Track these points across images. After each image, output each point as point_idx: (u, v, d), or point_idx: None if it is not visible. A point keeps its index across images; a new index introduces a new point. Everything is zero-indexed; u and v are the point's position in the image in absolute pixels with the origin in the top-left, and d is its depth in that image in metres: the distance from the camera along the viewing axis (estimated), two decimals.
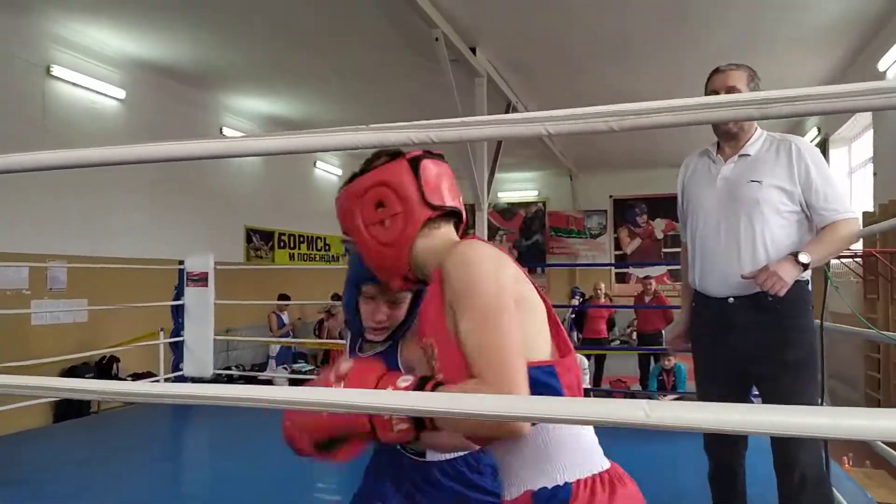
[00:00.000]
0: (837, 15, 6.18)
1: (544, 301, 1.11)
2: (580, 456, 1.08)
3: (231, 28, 6.40)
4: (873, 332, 2.65)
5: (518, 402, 0.91)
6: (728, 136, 2.21)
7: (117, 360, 6.73)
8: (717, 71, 2.19)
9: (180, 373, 5.69)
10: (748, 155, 2.16)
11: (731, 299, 2.13)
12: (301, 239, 10.96)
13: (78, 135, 6.37)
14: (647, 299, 8.60)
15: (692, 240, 2.28)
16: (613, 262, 13.83)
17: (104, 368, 6.64)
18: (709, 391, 2.30)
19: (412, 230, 1.16)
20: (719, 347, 2.21)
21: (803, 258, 1.99)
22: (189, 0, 5.75)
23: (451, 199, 1.19)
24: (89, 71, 6.68)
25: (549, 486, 1.04)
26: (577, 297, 11.95)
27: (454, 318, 1.02)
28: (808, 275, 2.11)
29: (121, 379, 6.10)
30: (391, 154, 1.21)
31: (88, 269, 6.25)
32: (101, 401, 6.45)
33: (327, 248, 11.74)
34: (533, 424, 1.03)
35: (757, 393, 2.25)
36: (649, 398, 4.39)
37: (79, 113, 6.62)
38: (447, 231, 1.20)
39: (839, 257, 5.50)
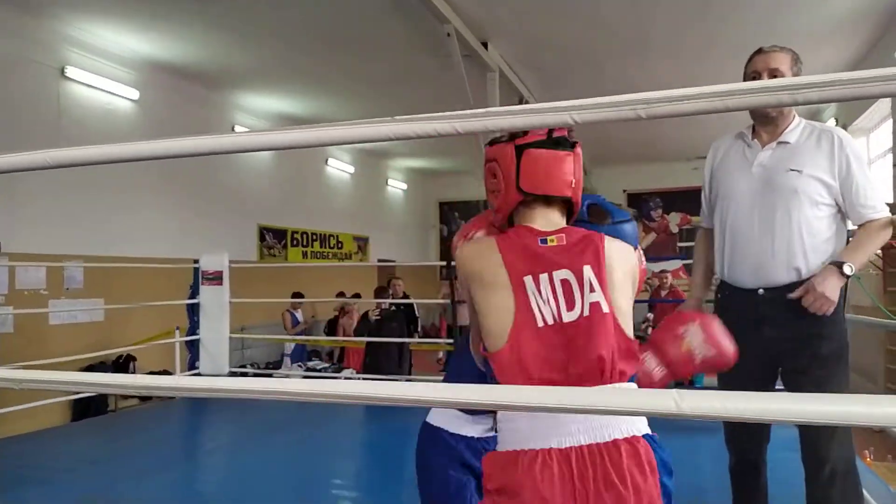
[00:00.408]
0: (854, 6, 6.11)
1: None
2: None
3: (243, 28, 6.41)
4: (895, 323, 2.61)
5: (543, 394, 0.90)
6: (767, 121, 2.12)
7: (134, 358, 6.78)
8: (759, 52, 2.11)
9: (196, 371, 5.72)
10: (788, 142, 2.08)
11: (762, 291, 2.07)
12: (314, 237, 10.98)
13: (93, 135, 6.41)
14: (663, 294, 8.54)
15: (721, 228, 2.19)
16: None
17: (121, 367, 6.70)
18: (732, 385, 2.25)
19: (506, 207, 1.37)
20: (749, 341, 2.14)
21: (848, 270, 1.92)
22: (201, 0, 5.76)
23: (544, 187, 1.33)
24: (103, 72, 6.72)
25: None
26: None
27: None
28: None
29: None
30: (511, 135, 1.35)
31: (104, 268, 6.30)
32: (122, 395, 6.53)
33: (340, 245, 11.75)
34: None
35: (781, 388, 2.21)
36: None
37: (93, 114, 6.66)
38: (537, 213, 1.35)
39: None
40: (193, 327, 5.95)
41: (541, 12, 6.17)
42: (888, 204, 6.90)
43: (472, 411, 1.70)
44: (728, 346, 1.61)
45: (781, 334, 2.05)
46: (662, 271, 8.81)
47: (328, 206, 11.24)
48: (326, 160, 11.44)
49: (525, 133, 1.32)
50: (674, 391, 0.83)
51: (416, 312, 7.68)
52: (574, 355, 1.21)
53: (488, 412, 1.62)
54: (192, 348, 5.94)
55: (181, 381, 1.07)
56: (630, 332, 1.27)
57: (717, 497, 2.79)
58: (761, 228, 2.07)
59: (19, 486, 3.38)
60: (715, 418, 0.83)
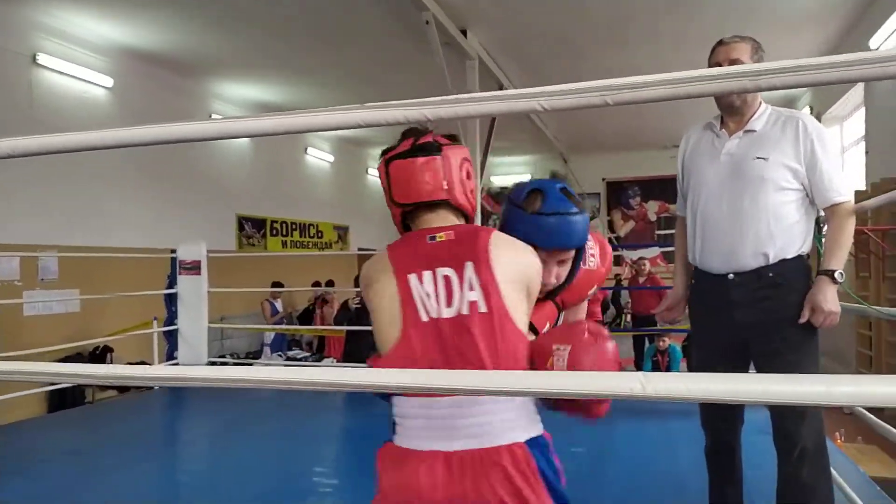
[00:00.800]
0: None
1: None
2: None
3: (218, 15, 6.33)
4: (866, 308, 2.67)
5: (516, 378, 0.91)
6: (731, 110, 2.16)
7: (111, 349, 6.73)
8: (720, 43, 2.15)
9: (175, 361, 5.69)
10: (754, 130, 2.12)
11: (732, 276, 2.12)
12: (294, 226, 10.92)
13: (66, 123, 6.31)
14: (641, 281, 8.62)
15: (693, 215, 2.24)
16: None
17: (98, 358, 6.64)
18: (705, 369, 2.30)
19: (395, 219, 1.41)
20: (720, 324, 2.20)
21: (839, 277, 2.00)
22: None
23: (412, 196, 1.34)
24: (76, 59, 6.61)
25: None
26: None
27: None
28: (806, 248, 2.12)
29: None
30: (384, 150, 1.40)
31: (80, 259, 6.23)
32: (99, 386, 6.47)
33: (320, 234, 11.71)
34: None
35: (754, 371, 2.26)
36: None
37: (67, 102, 6.56)
38: (425, 219, 1.36)
39: None
40: (171, 317, 5.90)
41: (520, 0, 6.16)
42: (860, 191, 7.03)
43: None
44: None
45: (752, 318, 2.09)
46: (640, 259, 8.89)
47: (308, 195, 11.18)
48: (306, 149, 11.37)
49: (395, 146, 1.37)
50: (639, 373, 0.85)
51: None
52: (450, 353, 1.21)
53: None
54: (171, 339, 5.90)
55: (157, 371, 1.07)
56: (521, 329, 1.25)
57: (694, 480, 2.85)
58: (730, 215, 2.11)
59: None
60: (679, 400, 0.84)
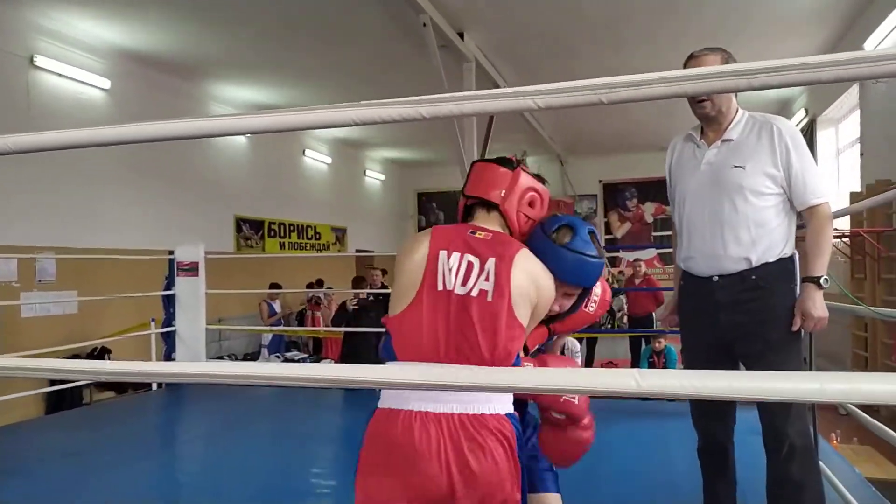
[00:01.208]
0: None
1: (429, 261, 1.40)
2: None
3: (216, 17, 6.34)
4: (863, 309, 2.68)
5: (515, 375, 0.92)
6: (707, 120, 2.22)
7: (109, 351, 6.72)
8: (691, 57, 2.20)
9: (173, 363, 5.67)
10: (731, 139, 2.17)
11: (716, 278, 2.17)
12: (292, 228, 10.92)
13: (64, 125, 6.22)
14: (637, 282, 8.64)
15: (679, 222, 2.32)
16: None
17: (95, 360, 6.63)
18: (693, 368, 2.33)
19: (460, 211, 1.61)
20: (705, 326, 2.25)
21: (824, 283, 2.03)
22: None
23: (475, 191, 1.55)
24: (73, 61, 6.61)
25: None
26: None
27: None
28: (788, 251, 2.15)
29: None
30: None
31: (78, 260, 6.22)
32: (97, 388, 6.47)
33: (318, 236, 11.71)
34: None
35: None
36: None
37: (64, 103, 6.55)
38: (478, 217, 1.55)
39: None
40: (169, 319, 5.89)
41: (517, 2, 6.18)
42: (855, 193, 7.05)
43: None
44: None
45: (735, 319, 2.14)
46: (636, 260, 8.92)
47: (306, 197, 11.18)
48: (303, 151, 11.37)
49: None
50: (634, 370, 0.86)
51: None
52: (451, 327, 1.34)
53: None
54: (168, 340, 5.88)
55: (155, 367, 1.07)
56: (521, 325, 1.37)
57: (689, 480, 2.85)
58: (711, 223, 2.17)
59: None
60: (673, 396, 0.85)
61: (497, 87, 8.13)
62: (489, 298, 1.34)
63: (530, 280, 1.39)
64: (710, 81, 0.87)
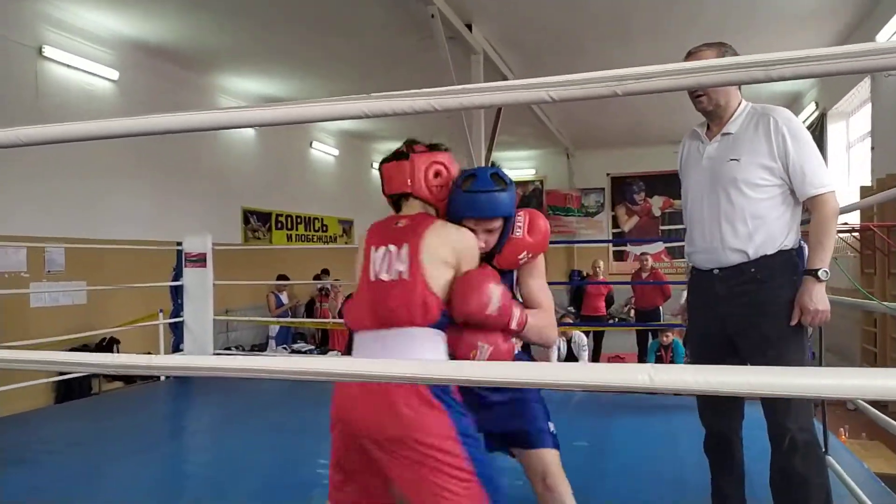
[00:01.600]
0: None
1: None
2: None
3: (224, 8, 6.33)
4: (874, 304, 2.67)
5: (526, 370, 0.92)
6: (710, 115, 2.23)
7: (117, 341, 6.75)
8: (688, 54, 2.20)
9: (180, 353, 5.71)
10: (730, 133, 2.17)
11: (716, 271, 2.18)
12: (299, 220, 10.94)
13: (72, 116, 6.29)
14: (644, 276, 8.61)
15: (685, 217, 2.34)
16: (611, 238, 13.86)
17: (104, 350, 6.67)
18: (697, 360, 2.37)
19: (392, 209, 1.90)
20: (707, 319, 2.26)
21: (823, 275, 2.00)
22: None
23: (388, 189, 1.83)
24: (82, 52, 6.61)
25: None
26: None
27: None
28: (790, 243, 2.13)
29: None
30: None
31: (86, 251, 6.25)
32: (106, 378, 6.51)
33: (325, 228, 11.72)
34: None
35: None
36: None
37: (72, 94, 6.57)
38: (403, 207, 1.82)
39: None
40: (177, 310, 5.92)
41: None
42: (865, 187, 7.00)
43: None
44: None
45: (734, 312, 2.15)
46: (643, 254, 8.90)
47: (313, 189, 11.19)
48: (311, 143, 11.37)
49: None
50: (647, 365, 0.85)
51: None
52: (379, 303, 1.64)
53: None
54: (176, 331, 5.91)
55: (163, 360, 1.08)
56: (435, 292, 1.62)
57: (696, 474, 2.85)
58: (710, 217, 2.18)
59: (3, 467, 3.38)
60: (687, 391, 0.85)
61: (505, 79, 8.09)
62: (406, 277, 1.62)
63: (442, 243, 1.65)
64: (725, 73, 0.86)
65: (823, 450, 2.15)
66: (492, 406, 1.96)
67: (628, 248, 13.64)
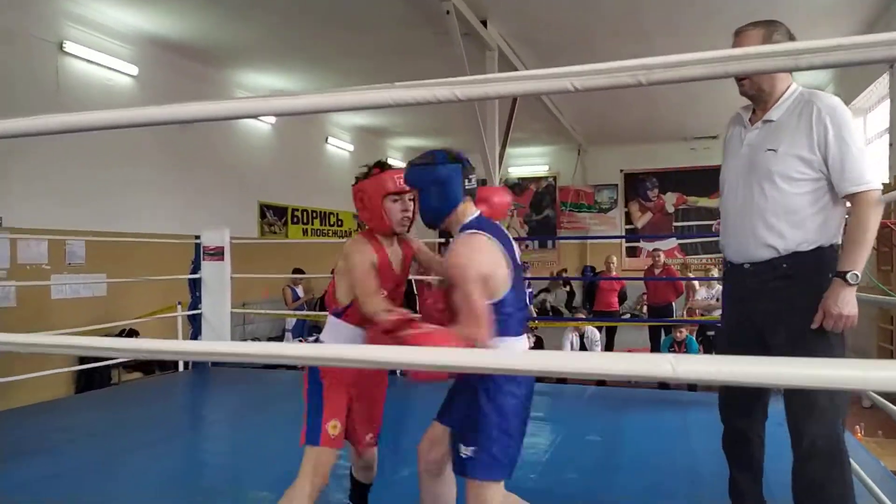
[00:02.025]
0: None
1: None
2: None
3: (242, 4, 6.37)
4: (893, 300, 2.64)
5: (548, 358, 0.93)
6: (754, 99, 2.12)
7: (136, 333, 6.83)
8: (735, 34, 2.11)
9: None
10: (772, 120, 2.06)
11: (747, 265, 2.11)
12: (314, 214, 10.99)
13: (91, 111, 6.36)
14: (656, 272, 8.58)
15: (721, 207, 2.25)
16: (623, 234, 13.79)
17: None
18: (724, 353, 2.32)
19: None
20: (737, 312, 2.20)
21: (852, 278, 1.88)
22: None
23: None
24: (102, 47, 6.67)
25: None
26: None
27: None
28: (830, 239, 2.02)
29: None
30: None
31: (106, 243, 6.32)
32: (125, 368, 6.59)
33: (340, 223, 11.77)
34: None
35: None
36: None
37: (92, 89, 6.63)
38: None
39: None
40: (195, 302, 5.99)
41: None
42: (883, 184, 6.91)
43: None
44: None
45: (763, 308, 2.08)
46: (655, 250, 8.85)
47: (328, 184, 11.22)
48: (326, 139, 11.41)
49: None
50: (669, 355, 0.86)
51: (415, 289, 7.72)
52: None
53: None
54: (195, 323, 5.98)
55: (187, 346, 1.10)
56: (338, 298, 2.18)
57: (709, 470, 2.84)
58: (742, 209, 2.10)
59: (23, 456, 3.44)
60: (709, 381, 0.85)
61: None
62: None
63: (342, 257, 2.15)
64: (753, 61, 0.85)
65: (848, 458, 2.03)
66: (453, 399, 2.06)
67: (641, 244, 13.57)
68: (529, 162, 14.41)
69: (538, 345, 7.60)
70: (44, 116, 1.15)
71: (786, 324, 2.03)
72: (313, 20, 6.81)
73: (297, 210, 10.52)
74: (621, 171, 13.84)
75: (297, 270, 8.66)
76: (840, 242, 2.05)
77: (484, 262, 1.81)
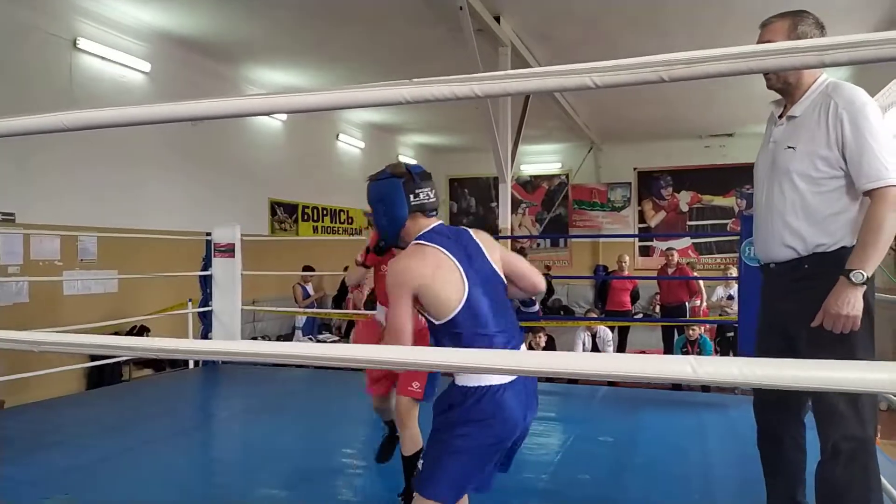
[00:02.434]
0: None
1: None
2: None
3: (255, 1, 6.36)
4: None
5: (566, 360, 0.91)
6: (780, 94, 2.08)
7: (147, 329, 6.86)
8: (761, 26, 2.08)
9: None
10: (795, 116, 2.01)
11: (772, 265, 2.09)
12: (325, 212, 11.00)
13: (105, 107, 6.38)
14: (669, 272, 8.52)
15: (753, 205, 2.23)
16: (636, 233, 13.71)
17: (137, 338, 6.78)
18: (759, 355, 2.26)
19: None
20: (768, 314, 2.18)
21: (857, 277, 1.81)
22: None
23: None
24: (115, 44, 6.70)
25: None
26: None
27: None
28: (853, 241, 1.95)
29: None
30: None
31: (118, 240, 6.35)
32: (136, 365, 6.62)
33: (350, 220, 11.77)
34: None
35: None
36: None
37: (105, 86, 6.66)
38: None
39: None
40: (206, 299, 6.00)
41: None
42: None
43: None
44: None
45: (787, 308, 2.06)
46: (669, 249, 8.78)
47: (339, 182, 11.23)
48: (337, 135, 11.41)
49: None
50: (691, 357, 0.84)
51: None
52: None
53: None
54: (205, 319, 6.00)
55: (198, 345, 1.09)
56: None
57: (721, 472, 2.80)
58: (766, 208, 2.08)
59: (35, 451, 3.46)
60: (729, 384, 0.83)
61: None
62: None
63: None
64: (776, 58, 0.83)
65: (874, 464, 1.97)
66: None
67: (654, 243, 13.48)
68: (542, 159, 14.36)
69: (549, 344, 7.57)
70: (56, 114, 1.15)
71: (805, 325, 1.98)
72: (326, 17, 6.80)
73: (308, 207, 10.53)
74: (635, 169, 13.75)
75: (308, 268, 8.67)
76: None
77: (414, 274, 1.70)
